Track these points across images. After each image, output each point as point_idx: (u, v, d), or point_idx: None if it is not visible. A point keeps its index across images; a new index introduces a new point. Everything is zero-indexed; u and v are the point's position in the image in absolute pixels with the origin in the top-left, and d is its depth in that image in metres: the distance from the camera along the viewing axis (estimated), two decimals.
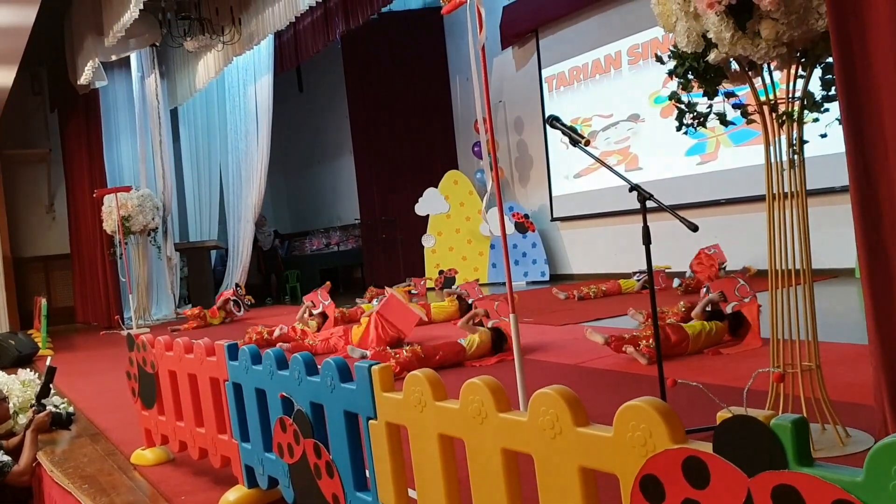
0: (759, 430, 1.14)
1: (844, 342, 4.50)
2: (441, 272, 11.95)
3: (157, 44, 11.27)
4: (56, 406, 4.80)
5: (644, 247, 2.98)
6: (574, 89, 11.32)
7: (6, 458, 3.78)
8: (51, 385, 4.74)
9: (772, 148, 2.91)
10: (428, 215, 12.19)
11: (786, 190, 2.90)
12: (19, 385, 4.81)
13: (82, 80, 10.75)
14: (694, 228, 2.88)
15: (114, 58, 10.71)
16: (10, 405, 4.62)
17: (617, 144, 10.65)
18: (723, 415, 1.22)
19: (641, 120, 10.29)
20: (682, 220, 2.91)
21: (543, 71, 11.76)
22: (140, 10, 8.50)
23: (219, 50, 10.35)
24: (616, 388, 4.28)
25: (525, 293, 9.91)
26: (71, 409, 4.90)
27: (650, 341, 4.71)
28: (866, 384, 3.61)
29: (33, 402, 4.57)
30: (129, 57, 11.76)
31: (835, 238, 7.36)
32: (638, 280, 8.87)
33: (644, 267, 8.73)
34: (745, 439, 1.16)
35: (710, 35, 2.68)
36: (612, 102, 10.70)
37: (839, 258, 7.69)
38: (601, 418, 1.53)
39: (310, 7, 8.87)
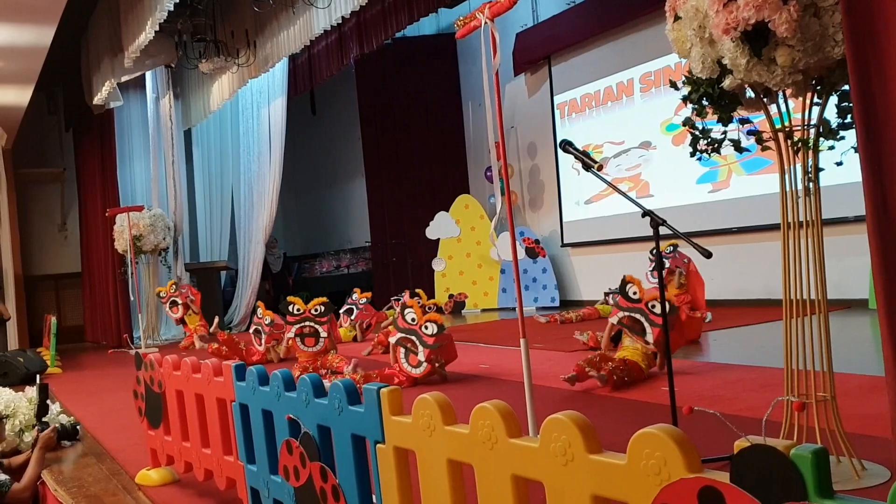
0: (778, 459, 1.10)
1: (859, 373, 4.45)
2: (451, 296, 11.92)
3: (173, 65, 11.39)
4: (61, 424, 4.80)
5: (656, 273, 2.96)
6: (586, 116, 11.35)
7: (4, 476, 3.76)
8: (47, 402, 4.74)
9: (787, 176, 2.89)
10: (438, 239, 12.19)
11: (801, 218, 2.87)
12: (26, 402, 4.80)
13: (98, 100, 10.85)
14: (708, 255, 2.86)
15: (128, 78, 10.81)
16: (16, 422, 4.60)
17: (628, 171, 10.64)
18: (740, 444, 1.19)
19: (653, 147, 10.29)
20: (696, 246, 2.88)
21: (556, 97, 11.79)
22: (156, 32, 8.60)
23: (233, 72, 10.44)
24: (627, 416, 4.23)
25: (534, 319, 9.86)
26: (72, 420, 4.91)
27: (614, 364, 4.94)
28: (882, 416, 3.55)
29: (35, 422, 4.57)
30: (143, 78, 11.88)
31: (847, 268, 7.31)
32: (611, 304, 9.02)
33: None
34: (764, 469, 1.13)
35: (726, 61, 2.68)
36: (624, 129, 10.71)
37: (852, 288, 7.63)
38: (613, 446, 1.50)
39: (324, 31, 8.95)
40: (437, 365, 5.66)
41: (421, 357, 5.59)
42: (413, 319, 5.69)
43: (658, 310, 4.94)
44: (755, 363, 5.40)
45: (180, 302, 9.99)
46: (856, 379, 4.32)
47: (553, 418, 1.52)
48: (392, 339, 5.75)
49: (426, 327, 5.60)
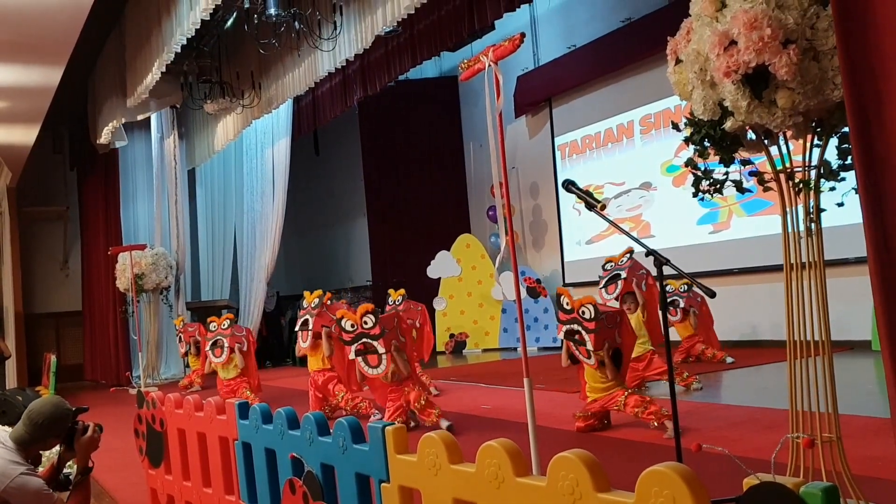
0: (788, 498, 1.10)
1: (863, 415, 4.42)
2: (452, 336, 11.89)
3: (178, 105, 11.51)
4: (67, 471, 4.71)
5: (661, 312, 2.96)
6: (587, 157, 11.43)
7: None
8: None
9: (788, 217, 2.91)
10: (440, 278, 12.19)
11: (803, 259, 2.89)
12: None
13: (103, 140, 10.95)
14: (712, 295, 2.87)
15: (137, 118, 10.93)
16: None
17: (629, 212, 10.69)
18: (750, 481, 1.19)
19: (654, 188, 10.35)
20: (700, 286, 2.90)
21: (556, 139, 11.90)
22: (162, 73, 8.70)
23: (238, 113, 10.54)
24: (634, 455, 4.20)
25: (536, 359, 9.82)
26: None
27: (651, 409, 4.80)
28: (889, 458, 3.54)
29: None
30: (149, 118, 11.99)
31: (849, 309, 7.28)
32: None
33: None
34: None
35: (727, 103, 2.71)
36: (625, 171, 10.78)
37: (854, 330, 7.61)
38: (621, 486, 1.49)
39: (329, 74, 9.06)
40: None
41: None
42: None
43: (588, 315, 4.85)
44: (759, 404, 5.37)
45: (183, 340, 10.00)
46: (860, 420, 4.30)
47: (561, 456, 1.52)
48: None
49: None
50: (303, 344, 6.57)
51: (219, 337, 7.86)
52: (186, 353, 10.12)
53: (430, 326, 7.96)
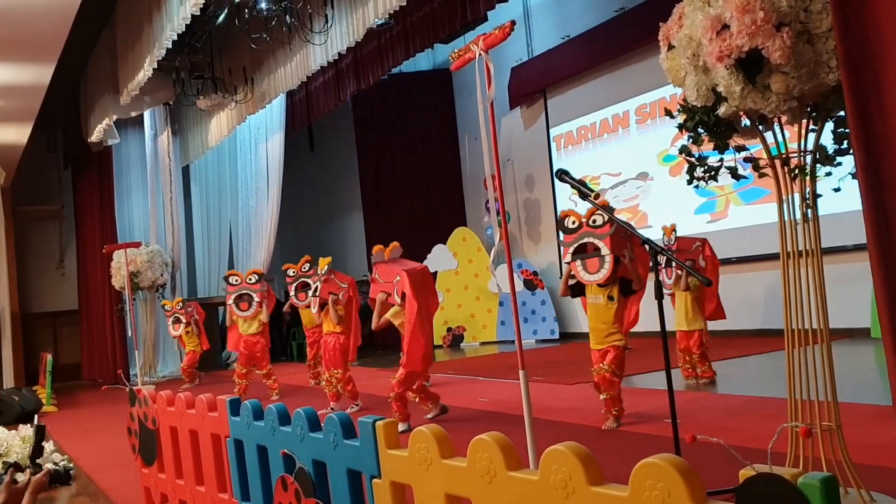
0: (785, 489, 1.07)
1: (863, 402, 4.39)
2: (449, 329, 11.86)
3: (171, 102, 11.45)
4: (56, 463, 4.73)
5: (657, 301, 2.92)
6: (582, 148, 11.39)
7: None
8: (43, 444, 4.65)
9: (785, 204, 2.88)
10: (436, 272, 12.14)
11: (800, 247, 2.85)
12: (19, 441, 4.73)
13: (94, 138, 10.89)
14: (708, 283, 2.83)
15: (131, 115, 10.87)
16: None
17: (626, 202, 10.65)
18: (746, 472, 1.16)
19: (650, 178, 10.31)
20: (696, 274, 2.86)
21: (551, 130, 11.85)
22: (154, 69, 8.64)
23: (231, 108, 10.49)
24: (629, 447, 4.16)
25: (533, 351, 9.80)
26: (70, 465, 4.82)
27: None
28: (889, 446, 3.51)
29: (28, 464, 4.48)
30: (142, 115, 11.93)
31: (848, 297, 7.27)
32: None
33: None
34: (771, 499, 1.09)
35: (720, 89, 2.67)
36: (621, 161, 10.74)
37: (853, 318, 7.59)
38: (615, 479, 1.46)
39: (321, 67, 9.00)
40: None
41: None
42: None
43: (600, 221, 4.49)
44: (758, 394, 5.34)
45: (184, 320, 9.82)
46: (860, 408, 4.27)
47: (553, 449, 1.48)
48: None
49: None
50: (313, 310, 6.73)
51: (246, 291, 7.74)
52: (189, 332, 9.80)
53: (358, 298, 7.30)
